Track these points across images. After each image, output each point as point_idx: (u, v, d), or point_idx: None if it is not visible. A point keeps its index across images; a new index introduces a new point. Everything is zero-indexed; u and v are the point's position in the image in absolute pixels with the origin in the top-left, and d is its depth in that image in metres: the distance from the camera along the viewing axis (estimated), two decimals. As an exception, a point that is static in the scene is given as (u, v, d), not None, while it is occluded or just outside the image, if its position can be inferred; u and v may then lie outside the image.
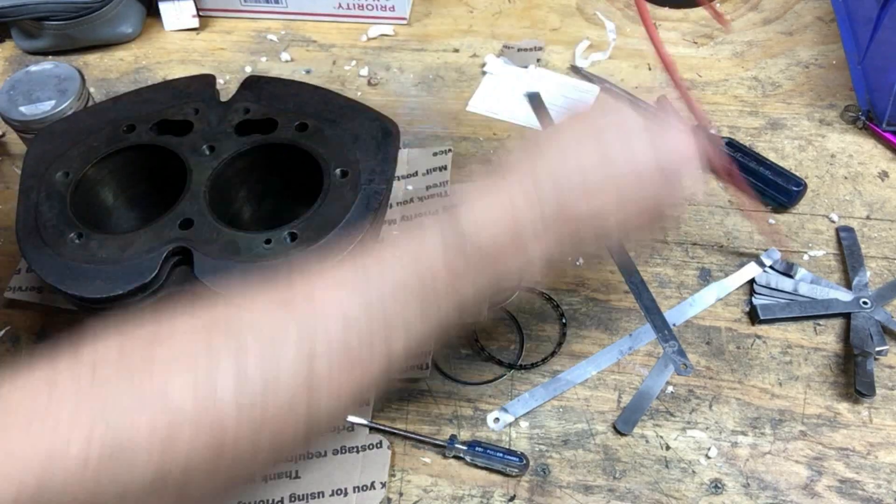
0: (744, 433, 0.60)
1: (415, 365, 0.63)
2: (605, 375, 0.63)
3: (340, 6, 0.92)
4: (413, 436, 0.60)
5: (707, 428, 0.60)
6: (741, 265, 0.68)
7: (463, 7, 0.94)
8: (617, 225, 0.47)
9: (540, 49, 0.88)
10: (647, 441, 0.59)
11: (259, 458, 0.40)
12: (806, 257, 0.69)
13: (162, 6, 0.92)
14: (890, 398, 0.61)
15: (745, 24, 0.89)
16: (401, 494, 0.58)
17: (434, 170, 0.76)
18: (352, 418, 0.59)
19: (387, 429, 0.60)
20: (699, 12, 0.91)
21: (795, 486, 0.57)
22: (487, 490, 0.58)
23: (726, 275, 0.68)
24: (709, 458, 0.58)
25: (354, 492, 0.57)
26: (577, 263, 0.70)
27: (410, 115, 0.82)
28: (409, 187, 0.75)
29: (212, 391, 0.37)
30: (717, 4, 0.91)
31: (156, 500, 0.37)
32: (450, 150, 0.78)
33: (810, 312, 0.65)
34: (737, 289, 0.67)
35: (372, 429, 0.60)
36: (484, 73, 0.86)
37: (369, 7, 0.91)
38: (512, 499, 0.57)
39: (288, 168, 0.62)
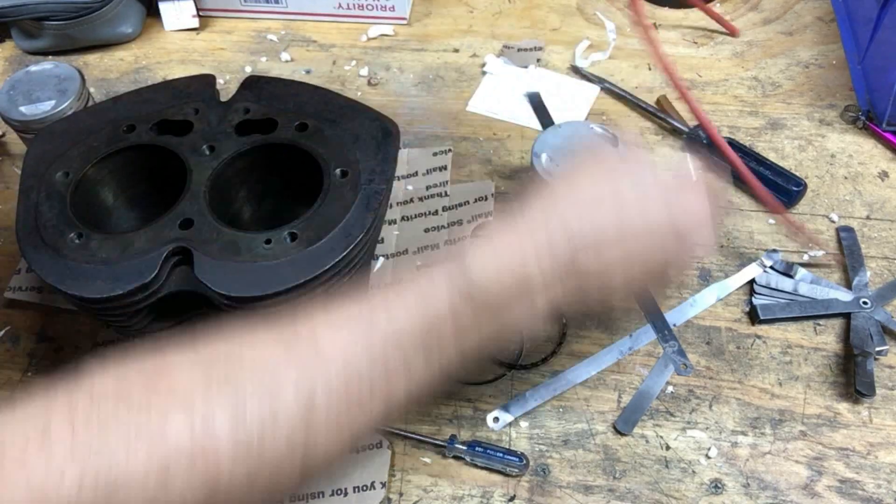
0: (744, 433, 0.60)
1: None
2: (605, 375, 0.63)
3: (340, 6, 0.92)
4: (413, 436, 0.60)
5: (707, 428, 0.60)
6: (741, 265, 0.68)
7: (463, 7, 0.94)
8: (622, 282, 0.47)
9: (540, 49, 0.88)
10: (647, 441, 0.59)
11: (254, 497, 0.40)
12: (806, 257, 0.69)
13: (162, 6, 0.92)
14: (890, 398, 0.61)
15: (745, 24, 0.89)
16: (401, 494, 0.58)
17: (434, 170, 0.76)
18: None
19: (386, 428, 0.60)
20: (699, 12, 0.91)
21: (795, 486, 0.57)
22: (487, 490, 0.58)
23: (726, 275, 0.68)
24: (709, 458, 0.58)
25: (354, 492, 0.57)
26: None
27: (410, 115, 0.82)
28: (409, 187, 0.75)
29: (209, 430, 0.36)
30: (717, 5, 0.92)
31: None
32: (450, 150, 0.78)
33: (810, 312, 0.65)
34: (737, 289, 0.67)
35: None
36: (484, 73, 0.86)
37: (369, 7, 0.91)
38: (512, 499, 0.57)
39: (288, 168, 0.62)
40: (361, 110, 0.63)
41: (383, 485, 0.57)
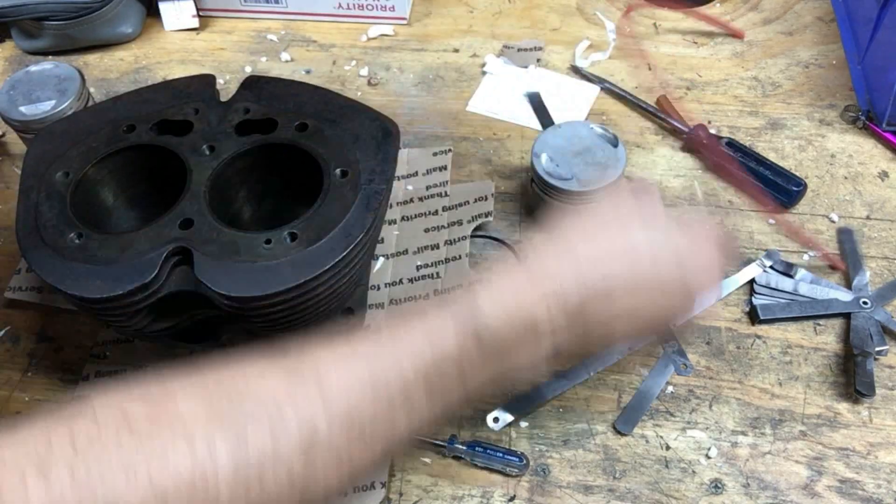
0: (744, 433, 0.59)
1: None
2: (605, 375, 0.63)
3: (340, 6, 0.92)
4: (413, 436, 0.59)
5: (707, 428, 0.60)
6: (741, 265, 0.68)
7: (463, 7, 0.94)
8: (627, 330, 0.48)
9: (540, 49, 0.88)
10: (647, 441, 0.59)
11: None
12: (806, 257, 0.69)
13: (162, 6, 0.92)
14: (890, 398, 0.61)
15: (745, 24, 0.89)
16: (401, 494, 0.58)
17: (434, 170, 0.76)
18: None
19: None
20: (699, 12, 0.91)
21: (795, 486, 0.57)
22: (487, 490, 0.58)
23: (726, 275, 0.68)
24: (709, 458, 0.58)
25: (354, 492, 0.57)
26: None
27: (410, 115, 0.82)
28: (409, 187, 0.75)
29: (210, 460, 0.36)
30: (717, 5, 0.92)
31: None
32: (450, 150, 0.78)
33: (810, 312, 0.65)
34: (737, 289, 0.67)
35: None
36: (484, 73, 0.86)
37: (369, 7, 0.91)
38: (512, 499, 0.57)
39: (288, 168, 0.62)
40: (361, 110, 0.63)
41: (383, 485, 0.57)
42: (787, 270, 0.67)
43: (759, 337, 0.65)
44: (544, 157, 0.68)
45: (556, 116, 0.81)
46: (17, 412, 0.64)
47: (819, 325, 0.65)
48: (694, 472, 0.58)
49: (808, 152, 0.77)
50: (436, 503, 0.57)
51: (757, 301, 0.65)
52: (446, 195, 0.74)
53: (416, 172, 0.76)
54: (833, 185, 0.74)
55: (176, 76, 0.71)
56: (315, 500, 0.41)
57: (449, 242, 0.71)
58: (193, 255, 0.54)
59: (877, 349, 0.62)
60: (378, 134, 0.61)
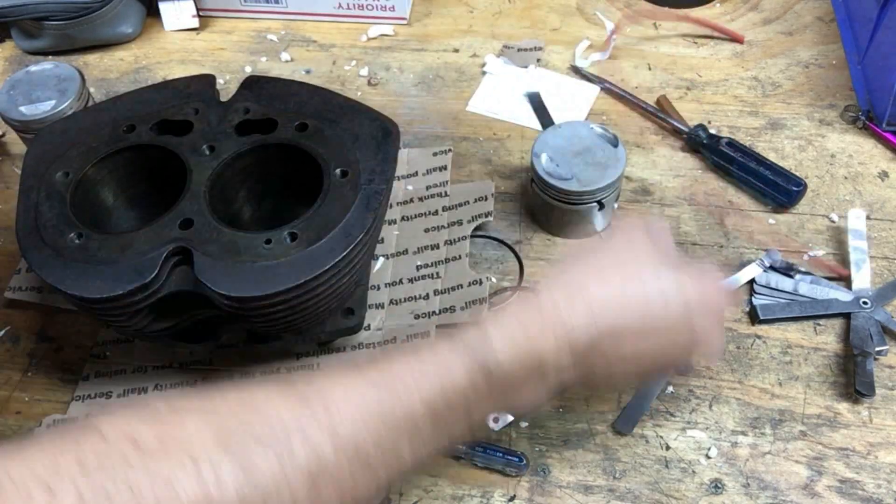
0: (744, 433, 0.59)
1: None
2: (605, 375, 0.63)
3: (340, 6, 0.92)
4: (413, 436, 0.59)
5: (707, 428, 0.60)
6: (741, 265, 0.68)
7: (463, 7, 0.94)
8: (631, 372, 0.49)
9: (540, 49, 0.88)
10: (647, 441, 0.59)
11: None
12: (806, 257, 0.69)
13: (162, 6, 0.92)
14: (890, 398, 0.61)
15: (745, 24, 0.89)
16: (401, 494, 0.58)
17: (434, 170, 0.76)
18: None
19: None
20: (699, 12, 0.91)
21: (795, 486, 0.57)
22: (487, 490, 0.58)
23: (726, 275, 0.68)
24: (709, 458, 0.58)
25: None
26: (577, 263, 0.70)
27: (410, 115, 0.82)
28: (409, 187, 0.75)
29: (216, 482, 0.36)
30: (717, 5, 0.91)
31: None
32: (450, 150, 0.78)
33: (810, 312, 0.65)
34: (737, 289, 0.67)
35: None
36: (484, 73, 0.86)
37: (369, 7, 0.91)
38: (512, 499, 0.57)
39: (288, 168, 0.62)
40: (361, 110, 0.63)
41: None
42: (787, 270, 0.67)
43: (759, 337, 0.65)
44: (544, 157, 0.68)
45: (556, 116, 0.81)
46: (17, 412, 0.64)
47: (819, 325, 0.65)
48: (694, 472, 0.58)
49: (808, 152, 0.77)
50: (436, 503, 0.57)
51: (757, 301, 0.65)
52: (446, 195, 0.74)
53: (416, 172, 0.76)
54: (833, 185, 0.74)
55: (176, 76, 0.71)
56: None
57: (449, 242, 0.71)
58: (193, 255, 0.54)
59: (877, 349, 0.62)
60: (378, 134, 0.61)
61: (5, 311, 0.70)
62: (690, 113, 0.80)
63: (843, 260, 0.68)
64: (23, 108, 0.74)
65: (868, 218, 0.71)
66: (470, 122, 0.82)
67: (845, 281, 0.67)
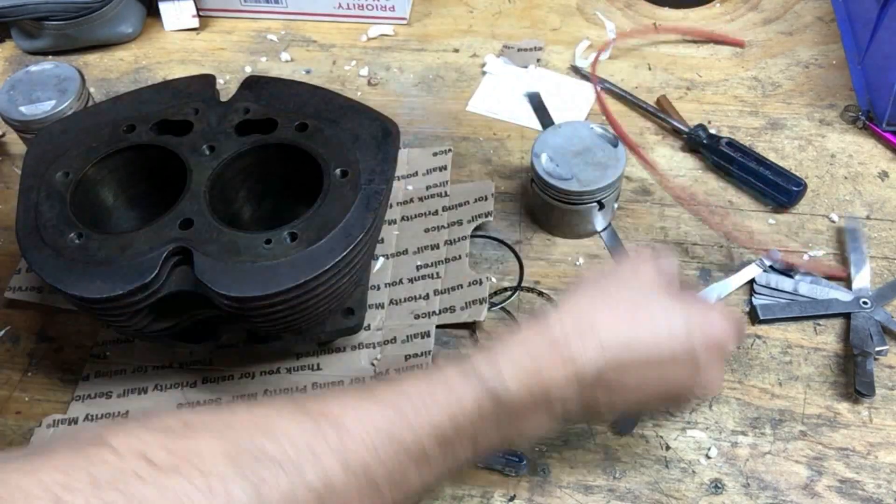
0: (744, 433, 0.59)
1: (415, 365, 0.63)
2: (605, 375, 0.63)
3: (340, 6, 0.92)
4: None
5: (707, 428, 0.60)
6: (741, 265, 0.68)
7: (463, 7, 0.94)
8: (633, 402, 0.49)
9: (540, 49, 0.88)
10: (647, 441, 0.59)
11: None
12: (806, 257, 0.69)
13: (162, 6, 0.92)
14: (890, 398, 0.61)
15: (745, 24, 0.89)
16: (401, 494, 0.58)
17: (434, 170, 0.76)
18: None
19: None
20: (699, 12, 0.91)
21: (795, 486, 0.57)
22: (487, 490, 0.58)
23: (726, 275, 0.68)
24: (709, 458, 0.58)
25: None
26: (578, 264, 0.70)
27: (410, 115, 0.82)
28: (409, 187, 0.75)
29: (226, 500, 0.36)
30: (717, 5, 0.92)
31: None
32: (450, 150, 0.78)
33: (810, 312, 0.65)
34: (737, 289, 0.67)
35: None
36: (484, 73, 0.86)
37: (369, 7, 0.91)
38: (512, 499, 0.57)
39: (288, 168, 0.62)
40: (361, 110, 0.63)
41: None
42: (787, 270, 0.67)
43: (759, 337, 0.65)
44: (544, 157, 0.68)
45: (556, 116, 0.81)
46: (17, 412, 0.64)
47: (819, 325, 0.65)
48: (694, 472, 0.58)
49: (808, 152, 0.77)
50: (436, 503, 0.57)
51: (757, 301, 0.65)
52: (446, 195, 0.74)
53: (416, 172, 0.76)
54: (833, 185, 0.74)
55: (176, 76, 0.71)
56: None
57: (449, 242, 0.71)
58: (193, 255, 0.54)
59: (877, 349, 0.62)
60: (378, 134, 0.61)
61: (5, 311, 0.70)
62: (690, 113, 0.80)
63: (844, 260, 0.68)
64: (23, 108, 0.74)
65: (868, 218, 0.71)
66: (470, 122, 0.82)
67: (845, 281, 0.67)
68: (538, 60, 0.87)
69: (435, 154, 0.77)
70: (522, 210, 0.74)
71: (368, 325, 0.66)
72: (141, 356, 0.66)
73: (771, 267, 0.67)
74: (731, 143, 0.75)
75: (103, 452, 0.36)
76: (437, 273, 0.69)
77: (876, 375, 0.61)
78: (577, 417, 0.47)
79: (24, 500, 0.34)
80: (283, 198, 0.65)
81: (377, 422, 0.42)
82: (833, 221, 0.71)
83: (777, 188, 0.72)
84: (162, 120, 0.63)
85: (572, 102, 0.82)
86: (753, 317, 0.65)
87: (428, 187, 0.75)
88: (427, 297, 0.67)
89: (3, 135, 0.84)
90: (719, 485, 0.57)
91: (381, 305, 0.67)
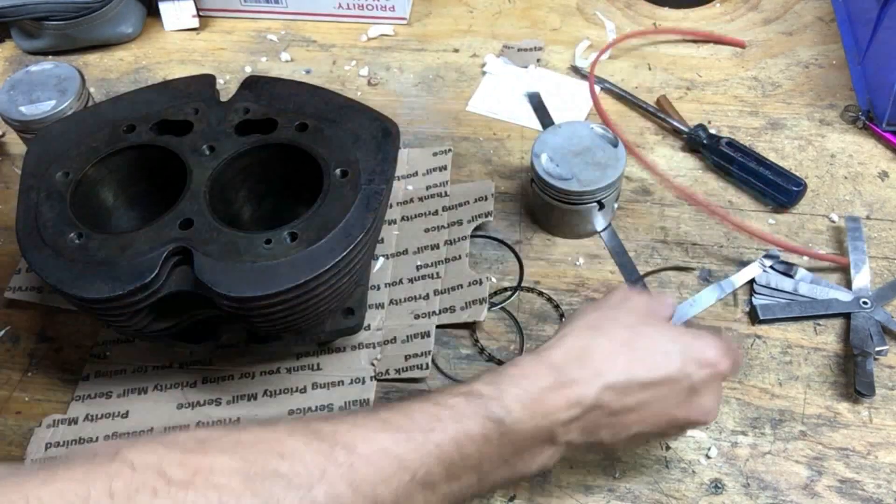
0: (744, 433, 0.59)
1: (415, 365, 0.63)
2: (605, 375, 0.63)
3: (340, 6, 0.92)
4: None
5: (707, 428, 0.60)
6: (741, 265, 0.68)
7: (463, 7, 0.94)
8: (633, 434, 0.50)
9: (540, 49, 0.88)
10: (646, 441, 0.59)
11: None
12: (806, 257, 0.69)
13: (162, 6, 0.92)
14: (890, 398, 0.61)
15: (745, 24, 0.89)
16: (401, 494, 0.58)
17: (434, 170, 0.76)
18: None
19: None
20: (699, 12, 0.91)
21: (795, 486, 0.57)
22: (487, 490, 0.57)
23: (726, 275, 0.68)
24: (709, 458, 0.58)
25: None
26: (578, 264, 0.70)
27: (410, 115, 0.82)
28: (409, 187, 0.75)
29: None
30: (717, 5, 0.92)
31: None
32: (450, 150, 0.78)
33: (810, 312, 0.65)
34: (737, 289, 0.67)
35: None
36: (484, 73, 0.86)
37: (369, 7, 0.91)
38: (512, 499, 0.57)
39: (288, 168, 0.62)
40: (361, 110, 0.63)
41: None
42: (787, 270, 0.67)
43: (759, 337, 0.65)
44: (544, 157, 0.68)
45: (556, 116, 0.81)
46: (17, 412, 0.64)
47: (819, 325, 0.65)
48: (694, 472, 0.58)
49: (808, 152, 0.77)
50: (436, 503, 0.57)
51: (757, 301, 0.65)
52: (446, 195, 0.74)
53: (416, 172, 0.76)
54: (833, 185, 0.74)
55: (176, 76, 0.71)
56: None
57: (449, 242, 0.71)
58: (193, 255, 0.54)
59: (877, 349, 0.62)
60: (378, 134, 0.61)
61: (5, 311, 0.70)
62: (690, 113, 0.80)
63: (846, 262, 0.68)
64: (23, 108, 0.74)
65: (868, 218, 0.71)
66: (470, 122, 0.82)
67: (845, 274, 0.67)
68: (538, 60, 0.87)
69: (435, 154, 0.77)
70: (522, 210, 0.74)
71: (368, 325, 0.66)
72: (141, 356, 0.66)
73: (771, 267, 0.67)
74: (731, 143, 0.75)
75: (120, 467, 0.37)
76: (437, 273, 0.69)
77: (876, 375, 0.61)
78: (580, 445, 0.48)
79: (54, 498, 0.35)
80: (283, 198, 0.65)
81: (386, 445, 0.42)
82: (833, 221, 0.71)
83: (777, 188, 0.72)
84: (162, 120, 0.63)
85: (572, 102, 0.82)
86: (753, 317, 0.65)
87: (428, 187, 0.75)
88: (427, 297, 0.67)
89: (3, 135, 0.84)
90: (719, 485, 0.57)
91: (381, 305, 0.67)
